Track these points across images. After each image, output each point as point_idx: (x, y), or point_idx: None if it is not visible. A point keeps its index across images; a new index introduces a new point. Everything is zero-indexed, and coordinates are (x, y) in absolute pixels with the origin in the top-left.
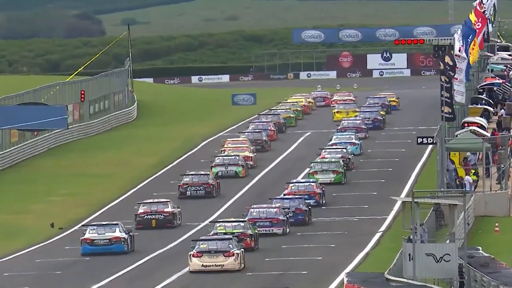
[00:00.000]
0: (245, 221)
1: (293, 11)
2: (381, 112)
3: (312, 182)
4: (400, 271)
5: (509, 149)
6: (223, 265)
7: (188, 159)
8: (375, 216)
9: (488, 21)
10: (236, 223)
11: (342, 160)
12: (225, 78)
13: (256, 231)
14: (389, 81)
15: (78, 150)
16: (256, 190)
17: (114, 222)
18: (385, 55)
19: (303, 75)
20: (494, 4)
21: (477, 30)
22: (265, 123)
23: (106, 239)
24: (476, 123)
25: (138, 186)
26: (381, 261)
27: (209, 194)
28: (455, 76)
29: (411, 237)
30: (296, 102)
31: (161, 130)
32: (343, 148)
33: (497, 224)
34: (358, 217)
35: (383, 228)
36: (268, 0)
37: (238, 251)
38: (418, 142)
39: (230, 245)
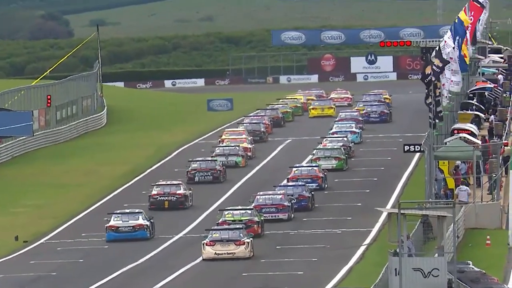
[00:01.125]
0: (252, 208)
1: (272, 11)
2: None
3: (315, 166)
4: (385, 287)
5: (501, 158)
6: (235, 253)
7: (161, 168)
8: (359, 228)
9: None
10: (243, 211)
11: (343, 148)
12: (200, 82)
13: (262, 218)
14: (374, 85)
15: (44, 159)
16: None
17: (137, 210)
18: (369, 58)
19: (283, 79)
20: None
21: (467, 30)
22: (260, 117)
23: (130, 226)
24: (466, 130)
25: (108, 197)
26: (365, 276)
27: (217, 179)
28: (448, 67)
29: (398, 250)
30: (296, 99)
31: (133, 137)
32: (344, 137)
33: (488, 237)
34: (341, 229)
35: (367, 241)
36: None
37: (248, 240)
38: (405, 150)
39: (241, 234)
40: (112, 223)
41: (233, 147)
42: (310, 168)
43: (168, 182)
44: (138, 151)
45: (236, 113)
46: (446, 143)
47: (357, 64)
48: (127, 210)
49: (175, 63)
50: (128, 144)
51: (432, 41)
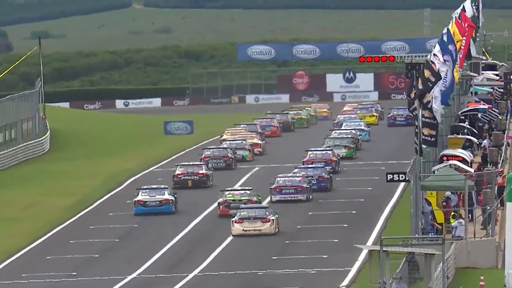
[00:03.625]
0: (251, 189)
1: (238, 23)
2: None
3: (329, 150)
4: None
5: (496, 188)
6: (261, 229)
7: (112, 199)
8: (336, 267)
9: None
10: (243, 191)
11: (352, 140)
12: (156, 102)
13: (259, 198)
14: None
15: None
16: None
17: (163, 186)
18: (347, 75)
19: (250, 98)
20: (478, 15)
21: (459, 45)
22: (269, 119)
23: (157, 200)
24: (457, 156)
25: (52, 232)
26: None
27: (229, 166)
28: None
29: None
30: (310, 108)
31: (79, 165)
32: (352, 129)
33: (482, 278)
34: (316, 269)
35: (345, 282)
36: (208, 9)
37: (273, 217)
38: (388, 179)
39: (267, 212)
40: (140, 197)
41: (240, 142)
42: (325, 152)
43: (191, 163)
44: (86, 180)
45: (197, 137)
46: (434, 172)
47: (334, 82)
48: (154, 186)
49: (128, 80)
50: (75, 172)
51: (419, 56)
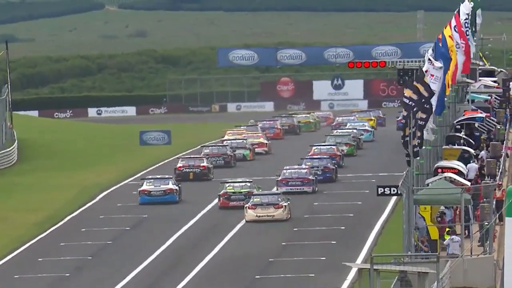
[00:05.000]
0: (251, 181)
1: (218, 26)
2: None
3: (333, 145)
4: None
5: (494, 202)
6: (274, 215)
7: (84, 214)
8: (323, 287)
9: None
10: (243, 183)
11: (353, 138)
12: (131, 110)
13: (260, 190)
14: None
15: None
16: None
17: (167, 176)
18: (336, 81)
19: (231, 107)
20: (474, 17)
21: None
22: (272, 121)
23: (161, 190)
24: (452, 168)
25: (19, 250)
26: None
27: (228, 164)
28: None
29: None
30: (313, 113)
31: (49, 178)
32: (353, 129)
33: None
34: None
35: None
36: (186, 11)
37: (285, 204)
38: (379, 192)
39: (279, 199)
40: (144, 187)
41: (241, 141)
42: (329, 146)
43: (193, 156)
44: (56, 194)
45: (175, 148)
46: (428, 185)
47: (321, 89)
48: (158, 176)
49: (101, 87)
50: (44, 185)
51: (411, 61)
